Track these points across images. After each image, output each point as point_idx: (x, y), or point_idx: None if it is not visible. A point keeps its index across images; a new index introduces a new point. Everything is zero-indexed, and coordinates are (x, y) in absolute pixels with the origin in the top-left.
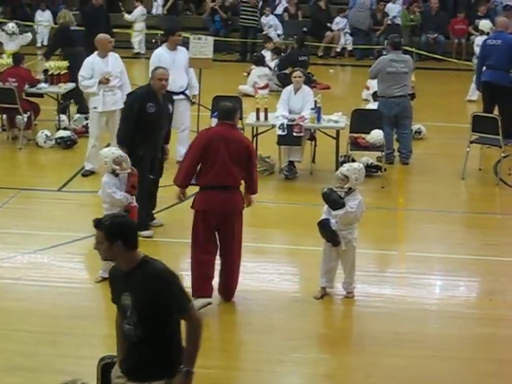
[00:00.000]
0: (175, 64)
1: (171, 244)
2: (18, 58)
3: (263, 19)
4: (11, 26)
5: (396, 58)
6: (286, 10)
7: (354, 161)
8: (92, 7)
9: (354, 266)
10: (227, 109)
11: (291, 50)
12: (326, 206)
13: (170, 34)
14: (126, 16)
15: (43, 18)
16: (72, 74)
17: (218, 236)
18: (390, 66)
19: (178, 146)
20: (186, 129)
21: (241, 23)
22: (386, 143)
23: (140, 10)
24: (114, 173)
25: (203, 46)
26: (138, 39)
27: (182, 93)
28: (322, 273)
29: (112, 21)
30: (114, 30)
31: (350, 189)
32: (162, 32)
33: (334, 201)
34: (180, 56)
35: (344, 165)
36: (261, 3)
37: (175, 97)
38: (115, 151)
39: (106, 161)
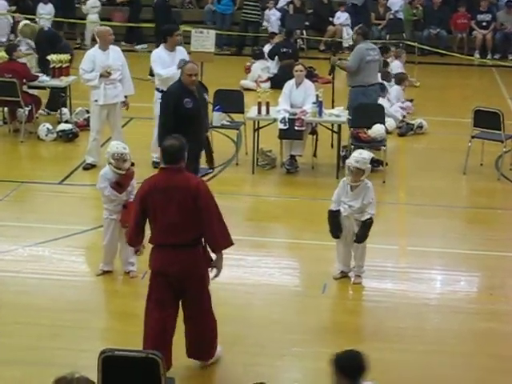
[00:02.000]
0: (174, 64)
1: None
2: (10, 48)
3: (266, 12)
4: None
5: (369, 46)
6: (291, 2)
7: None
8: (163, 2)
9: (365, 250)
10: (171, 151)
11: (278, 42)
12: (336, 192)
13: (168, 35)
14: (83, 7)
15: (45, 11)
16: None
17: (181, 300)
18: (368, 54)
19: None
20: None
21: (243, 17)
22: None
23: (92, 1)
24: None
25: (205, 39)
26: (89, 31)
27: None
28: (339, 259)
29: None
30: (116, 24)
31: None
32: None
33: (368, 229)
34: (179, 57)
35: (357, 159)
36: None
37: None
38: (119, 146)
39: (108, 151)
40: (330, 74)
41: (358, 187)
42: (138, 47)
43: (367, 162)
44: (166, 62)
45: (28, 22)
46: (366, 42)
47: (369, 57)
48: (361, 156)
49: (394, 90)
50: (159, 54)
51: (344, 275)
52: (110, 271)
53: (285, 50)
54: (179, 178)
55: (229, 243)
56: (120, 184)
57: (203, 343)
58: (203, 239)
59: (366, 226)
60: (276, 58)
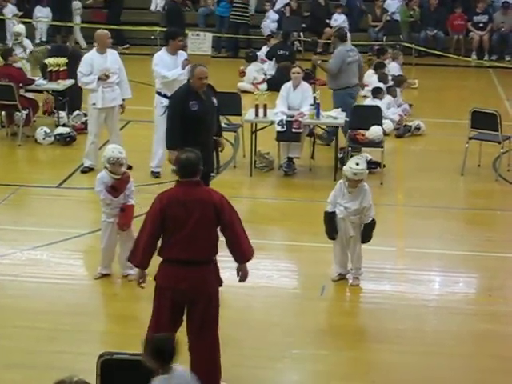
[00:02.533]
0: (178, 67)
1: None
2: (6, 52)
3: (267, 14)
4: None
5: (348, 48)
6: (287, 4)
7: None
8: (175, 6)
9: (361, 252)
10: (187, 164)
11: (274, 44)
12: (333, 194)
13: (170, 38)
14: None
15: (43, 14)
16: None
17: (186, 319)
18: (348, 56)
19: None
20: None
21: (232, 19)
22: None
23: (75, 3)
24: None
25: (201, 42)
26: (39, 28)
27: None
28: (336, 261)
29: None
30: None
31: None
32: (160, 29)
33: (372, 229)
34: (181, 60)
35: (355, 171)
36: None
37: None
38: (115, 150)
39: (104, 155)
40: (310, 74)
41: (355, 190)
42: (120, 48)
43: (365, 171)
44: (168, 65)
45: (34, 49)
46: (344, 44)
47: (349, 58)
48: (359, 168)
49: (386, 99)
50: (161, 56)
51: (342, 277)
52: (108, 274)
53: (281, 52)
54: (199, 191)
55: (253, 253)
56: (115, 188)
57: (204, 369)
58: (230, 252)
59: (370, 227)
60: (273, 59)
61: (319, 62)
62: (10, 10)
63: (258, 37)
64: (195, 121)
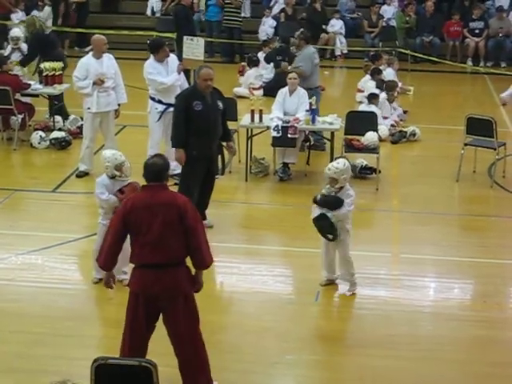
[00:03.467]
0: (168, 76)
1: None
2: (1, 59)
3: (263, 20)
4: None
5: (314, 50)
6: (283, 10)
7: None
8: (184, 8)
9: (348, 258)
10: (154, 169)
11: (273, 49)
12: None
13: (157, 49)
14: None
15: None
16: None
17: (165, 324)
18: (315, 58)
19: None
20: None
21: (225, 24)
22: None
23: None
24: (113, 177)
25: (195, 47)
26: None
27: None
28: (324, 266)
29: (108, 22)
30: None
31: (341, 187)
32: (158, 34)
33: (334, 201)
34: (171, 67)
35: (330, 167)
36: (245, 3)
37: (171, 109)
38: (119, 157)
39: (108, 165)
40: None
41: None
42: (87, 49)
43: (340, 171)
44: (161, 72)
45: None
46: (308, 46)
47: (316, 60)
48: (334, 165)
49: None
50: (153, 64)
51: (330, 282)
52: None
53: (280, 57)
54: (164, 194)
55: (212, 260)
56: (123, 192)
57: (193, 371)
58: (189, 257)
59: (333, 201)
60: (271, 64)
61: (289, 67)
62: (20, 16)
63: (253, 42)
64: (198, 121)
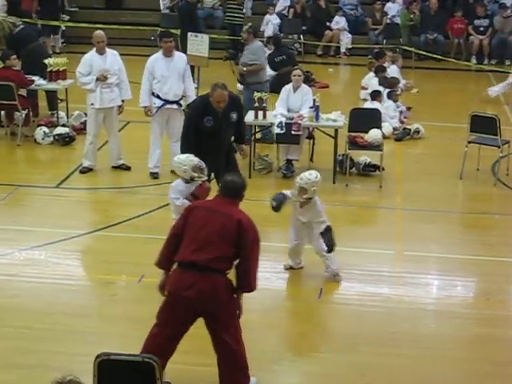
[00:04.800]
0: (169, 71)
1: None
2: (4, 56)
3: (266, 17)
4: None
5: (261, 43)
6: (291, 6)
7: (352, 160)
8: (188, 5)
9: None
10: (230, 186)
11: (269, 54)
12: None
13: (159, 41)
14: None
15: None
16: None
17: (207, 328)
18: (265, 51)
19: (172, 157)
20: (178, 141)
21: (227, 21)
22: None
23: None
24: (189, 181)
25: (199, 43)
26: None
27: (177, 102)
28: (289, 254)
29: (111, 18)
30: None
31: (309, 198)
32: (162, 30)
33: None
34: (175, 63)
35: (302, 176)
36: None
37: (168, 106)
38: (193, 158)
39: (186, 168)
40: (309, 77)
41: (305, 205)
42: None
43: (311, 183)
44: (160, 68)
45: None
46: (256, 40)
47: (265, 53)
48: (306, 174)
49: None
50: (155, 59)
51: (291, 268)
52: None
53: (279, 58)
54: (231, 208)
55: (256, 287)
56: (196, 196)
57: (231, 367)
58: (236, 276)
59: (326, 234)
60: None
61: (244, 68)
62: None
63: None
64: (208, 135)
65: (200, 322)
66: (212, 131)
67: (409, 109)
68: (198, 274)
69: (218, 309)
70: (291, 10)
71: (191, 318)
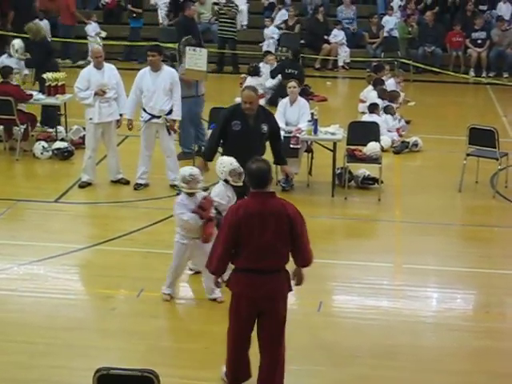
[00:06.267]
0: (155, 86)
1: (169, 256)
2: (6, 71)
3: (265, 31)
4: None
5: None
6: (284, 22)
7: (350, 173)
8: (185, 19)
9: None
10: (260, 174)
11: (282, 61)
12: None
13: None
14: None
15: None
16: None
17: (258, 323)
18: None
19: (167, 171)
20: (171, 155)
21: (219, 35)
22: (190, 141)
23: None
24: (191, 193)
25: (198, 57)
26: None
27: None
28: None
29: (110, 33)
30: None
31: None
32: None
33: None
34: (162, 78)
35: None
36: (242, 13)
37: (155, 120)
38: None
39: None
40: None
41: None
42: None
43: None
44: (146, 83)
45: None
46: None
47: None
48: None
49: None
50: (143, 73)
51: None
52: (170, 295)
53: (290, 70)
54: (274, 203)
55: (313, 258)
56: (203, 208)
57: (273, 371)
58: (292, 256)
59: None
60: (278, 77)
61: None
62: (93, 28)
63: (251, 52)
64: (235, 140)
65: (197, 338)
66: (239, 137)
67: (408, 122)
68: (264, 276)
69: (281, 305)
70: (284, 25)
71: (257, 314)
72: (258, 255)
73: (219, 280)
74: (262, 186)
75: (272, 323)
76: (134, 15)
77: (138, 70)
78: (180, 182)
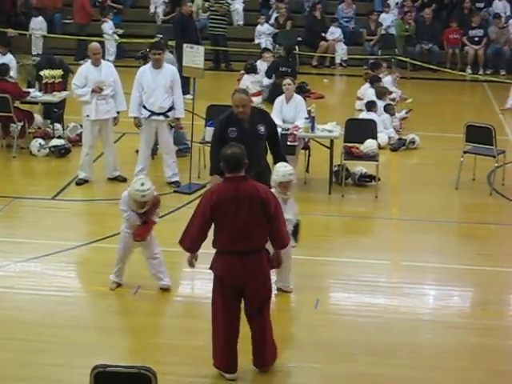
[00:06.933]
0: (156, 83)
1: (168, 253)
2: (3, 69)
3: (258, 28)
4: None
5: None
6: (275, 19)
7: (347, 171)
8: (182, 16)
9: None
10: (234, 158)
11: (276, 59)
12: None
13: (149, 53)
14: None
15: (35, 26)
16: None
17: (244, 301)
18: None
19: (164, 168)
20: (170, 152)
21: (210, 32)
22: (183, 137)
23: None
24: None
25: (195, 55)
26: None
27: (163, 114)
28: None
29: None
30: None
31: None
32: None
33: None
34: (162, 75)
35: (279, 172)
36: (238, 11)
37: (155, 117)
38: (138, 193)
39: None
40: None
41: (288, 201)
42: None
43: (289, 173)
44: (146, 80)
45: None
46: (167, 52)
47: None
48: (281, 168)
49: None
50: (143, 70)
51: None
52: (120, 284)
53: (284, 69)
54: (247, 186)
55: (289, 240)
56: (146, 211)
57: (268, 344)
58: (269, 239)
59: (297, 229)
60: (273, 76)
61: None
62: (109, 26)
63: (247, 49)
64: None
65: (194, 335)
66: (238, 143)
67: (408, 112)
68: (244, 257)
69: (262, 282)
70: (276, 23)
71: (241, 294)
72: (235, 238)
73: (194, 259)
74: (236, 170)
75: (253, 299)
76: (115, 11)
77: (128, 67)
78: (130, 201)
